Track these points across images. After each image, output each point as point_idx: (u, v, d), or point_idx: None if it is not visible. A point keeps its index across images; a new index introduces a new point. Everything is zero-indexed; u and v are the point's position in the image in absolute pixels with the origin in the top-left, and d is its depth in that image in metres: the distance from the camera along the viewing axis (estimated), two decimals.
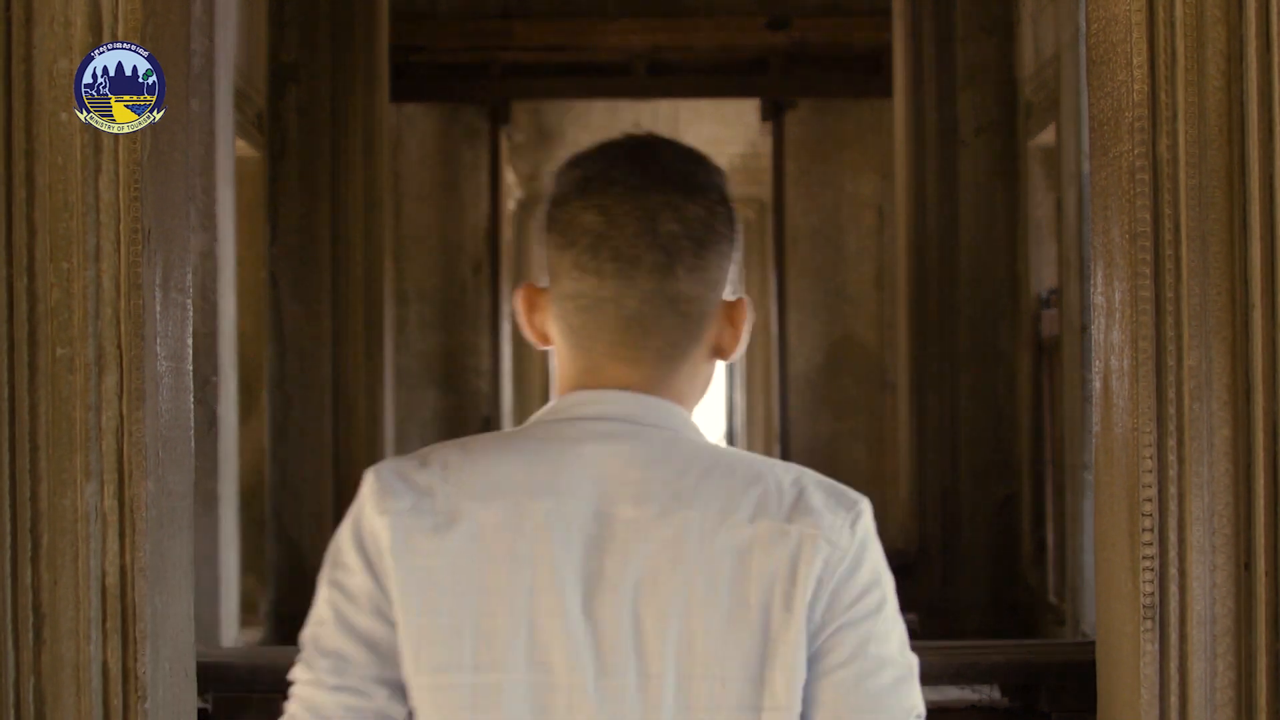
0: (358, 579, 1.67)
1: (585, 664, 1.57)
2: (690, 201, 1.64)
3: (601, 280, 1.63)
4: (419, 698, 1.64)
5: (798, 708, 1.58)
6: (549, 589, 1.58)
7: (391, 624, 1.64)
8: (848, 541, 1.61)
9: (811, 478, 1.64)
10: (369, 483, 1.71)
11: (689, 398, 1.69)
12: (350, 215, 7.66)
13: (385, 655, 1.66)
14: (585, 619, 1.57)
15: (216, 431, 6.25)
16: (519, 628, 1.58)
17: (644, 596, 1.57)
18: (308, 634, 1.73)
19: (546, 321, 1.70)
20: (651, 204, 1.62)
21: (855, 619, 1.60)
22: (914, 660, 1.65)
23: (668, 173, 1.65)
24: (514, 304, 1.73)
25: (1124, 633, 2.97)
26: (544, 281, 1.70)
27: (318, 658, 1.71)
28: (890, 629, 1.63)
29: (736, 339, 1.70)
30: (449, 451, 1.71)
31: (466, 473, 1.66)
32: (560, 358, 1.70)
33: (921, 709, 1.70)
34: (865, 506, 1.65)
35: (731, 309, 1.69)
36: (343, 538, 1.70)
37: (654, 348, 1.64)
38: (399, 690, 1.67)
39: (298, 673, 1.74)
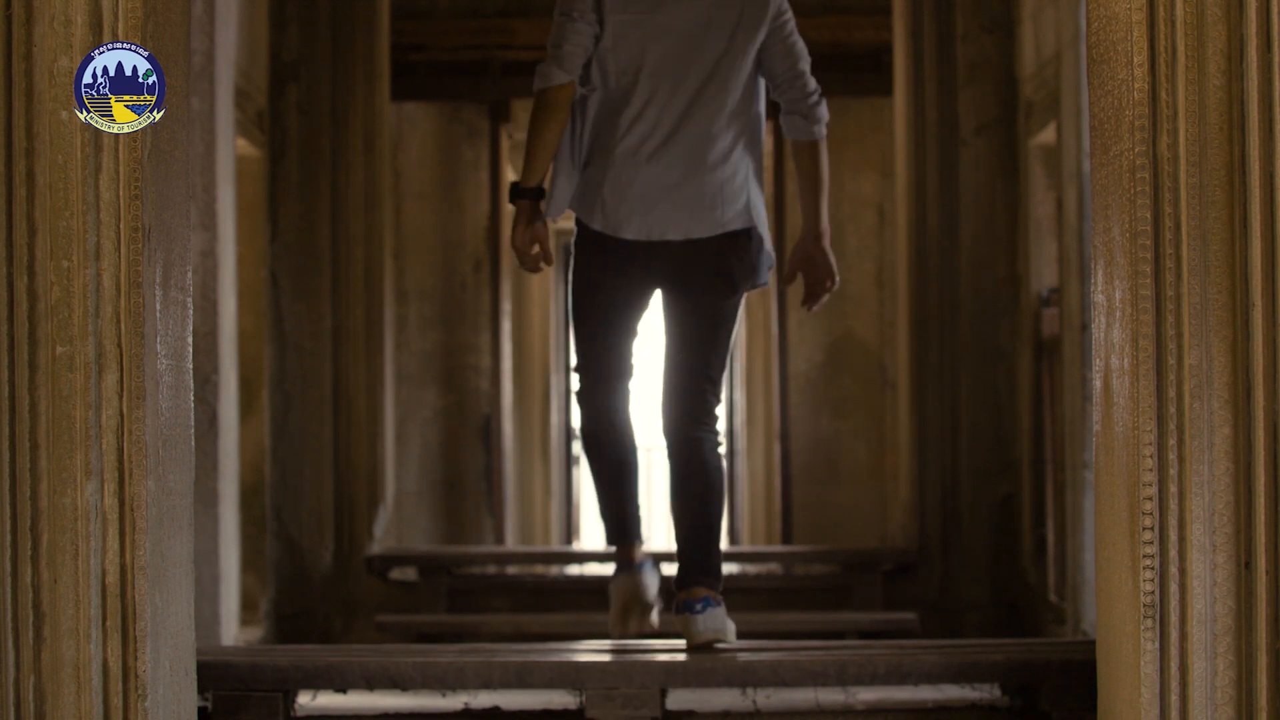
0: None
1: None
2: None
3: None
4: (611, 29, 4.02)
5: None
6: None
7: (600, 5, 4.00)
8: None
9: None
10: None
11: None
12: (350, 214, 7.65)
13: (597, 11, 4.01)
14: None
15: (217, 430, 6.25)
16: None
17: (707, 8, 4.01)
18: (560, 17, 4.09)
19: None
20: None
21: (789, 23, 4.07)
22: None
23: None
24: None
25: (1124, 631, 2.97)
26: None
27: (566, 13, 4.07)
28: (798, 36, 4.08)
29: None
30: None
31: None
32: None
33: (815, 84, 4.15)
34: None
35: None
36: None
37: None
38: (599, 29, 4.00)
39: (555, 34, 4.11)
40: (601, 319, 4.07)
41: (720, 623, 3.94)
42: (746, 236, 4.02)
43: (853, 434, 9.63)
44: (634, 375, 4.21)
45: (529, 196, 3.95)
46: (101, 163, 2.83)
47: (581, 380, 4.18)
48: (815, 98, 4.08)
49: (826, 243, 4.12)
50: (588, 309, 4.07)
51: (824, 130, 4.10)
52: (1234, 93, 2.83)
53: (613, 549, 4.32)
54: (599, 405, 4.16)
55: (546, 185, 4.01)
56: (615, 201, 3.95)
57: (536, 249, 3.99)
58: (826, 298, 4.13)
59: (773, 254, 4.09)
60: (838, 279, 4.10)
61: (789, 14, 4.08)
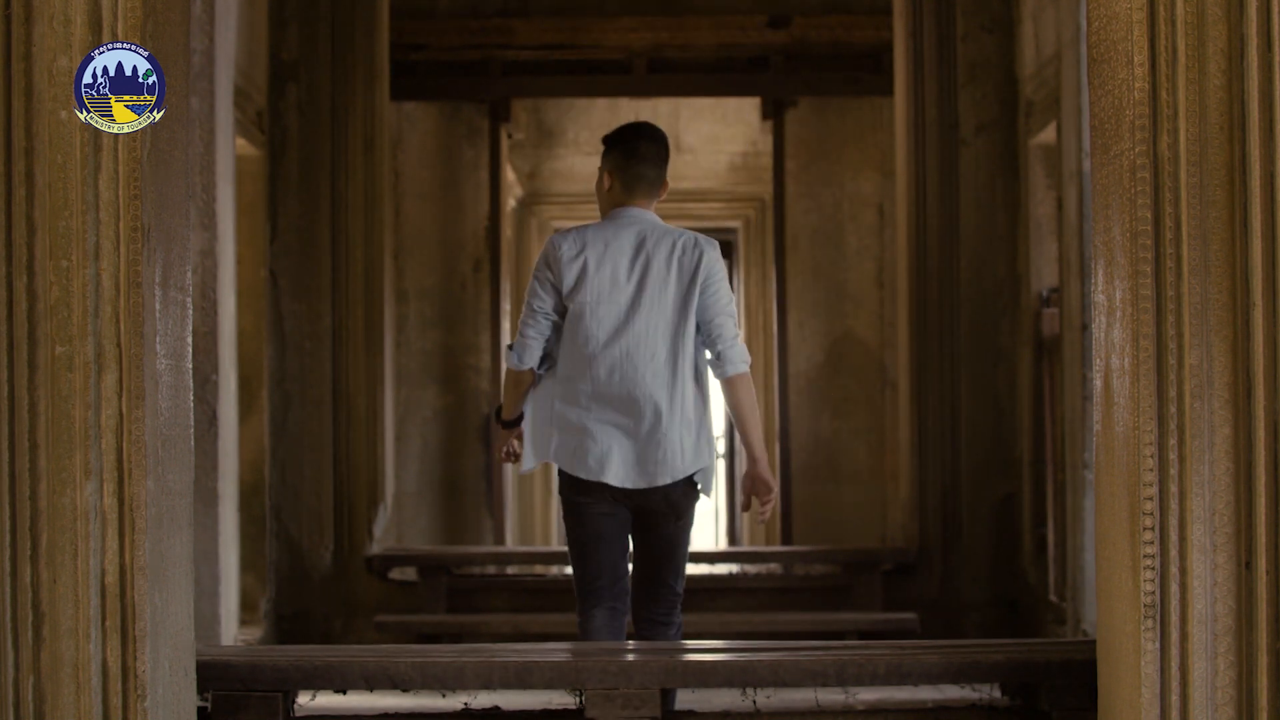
0: (545, 272, 4.62)
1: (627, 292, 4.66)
2: (661, 144, 4.77)
3: (640, 165, 4.71)
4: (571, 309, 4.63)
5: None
6: (620, 269, 4.64)
7: (559, 286, 4.61)
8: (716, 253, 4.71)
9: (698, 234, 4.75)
10: (551, 239, 4.68)
11: (654, 208, 4.77)
12: (350, 213, 7.65)
13: (556, 297, 4.62)
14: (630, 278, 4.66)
15: (216, 430, 6.25)
16: (606, 280, 4.64)
17: (652, 270, 4.65)
18: (526, 306, 4.67)
19: (609, 182, 4.70)
20: (651, 144, 4.75)
21: (716, 280, 4.67)
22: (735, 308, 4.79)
23: (652, 133, 4.78)
24: (599, 179, 4.77)
25: (1124, 631, 2.97)
26: (606, 169, 4.76)
27: (530, 307, 4.63)
28: (726, 289, 4.71)
29: (664, 192, 4.77)
30: (581, 228, 4.70)
31: (588, 234, 4.66)
32: (613, 195, 4.71)
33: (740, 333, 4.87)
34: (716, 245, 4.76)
35: (665, 182, 4.77)
36: (539, 261, 4.65)
37: (650, 192, 4.73)
38: (561, 312, 4.63)
39: (522, 320, 4.68)
40: (586, 547, 4.69)
41: None
42: (690, 478, 4.68)
43: (853, 434, 9.63)
44: (626, 595, 4.73)
45: (509, 426, 4.85)
46: (101, 163, 2.83)
47: (577, 604, 4.73)
48: (731, 344, 4.67)
49: (762, 468, 4.72)
50: (575, 536, 4.71)
51: (742, 367, 4.68)
52: (1234, 92, 2.83)
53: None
54: (588, 634, 4.70)
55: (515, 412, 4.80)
56: (585, 455, 4.61)
57: (509, 453, 4.92)
58: (769, 509, 4.76)
59: (712, 462, 4.73)
60: (775, 492, 4.76)
61: (718, 268, 4.67)
